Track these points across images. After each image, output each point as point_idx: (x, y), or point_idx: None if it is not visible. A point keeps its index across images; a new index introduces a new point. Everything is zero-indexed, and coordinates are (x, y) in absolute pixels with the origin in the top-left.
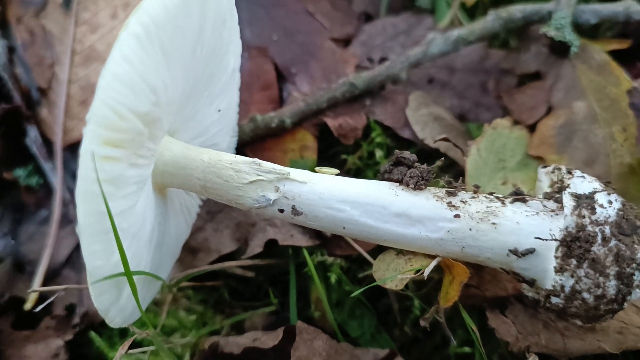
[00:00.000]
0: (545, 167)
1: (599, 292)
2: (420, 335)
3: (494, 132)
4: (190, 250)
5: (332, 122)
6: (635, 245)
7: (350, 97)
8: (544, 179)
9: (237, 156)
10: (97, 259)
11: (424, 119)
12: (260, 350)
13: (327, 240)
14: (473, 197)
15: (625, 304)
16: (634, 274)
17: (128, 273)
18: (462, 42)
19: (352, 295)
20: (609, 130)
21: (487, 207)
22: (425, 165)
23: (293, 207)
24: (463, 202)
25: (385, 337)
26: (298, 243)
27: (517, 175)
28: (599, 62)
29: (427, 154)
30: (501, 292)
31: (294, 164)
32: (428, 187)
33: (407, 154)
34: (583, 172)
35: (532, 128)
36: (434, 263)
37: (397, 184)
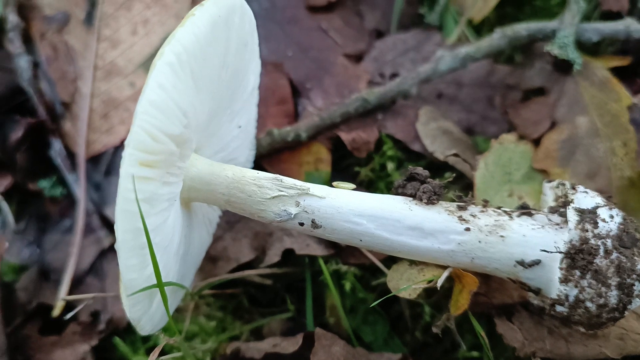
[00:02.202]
0: (550, 181)
1: (602, 301)
2: (431, 340)
3: (500, 146)
4: (210, 259)
5: (345, 136)
6: (635, 257)
7: (363, 112)
8: (549, 193)
9: (260, 172)
10: (133, 272)
11: (433, 133)
12: (281, 356)
13: (341, 250)
14: (482, 211)
15: (626, 312)
16: (634, 284)
17: (160, 284)
18: (469, 59)
19: (371, 305)
20: (610, 144)
21: (496, 220)
22: (437, 181)
23: (313, 221)
24: (473, 215)
25: (397, 342)
26: (314, 252)
27: (523, 188)
28: (601, 78)
29: (437, 167)
30: (508, 300)
31: (309, 176)
32: (440, 202)
33: (420, 169)
34: (586, 187)
35: (536, 142)
36: (445, 274)
37: (411, 198)
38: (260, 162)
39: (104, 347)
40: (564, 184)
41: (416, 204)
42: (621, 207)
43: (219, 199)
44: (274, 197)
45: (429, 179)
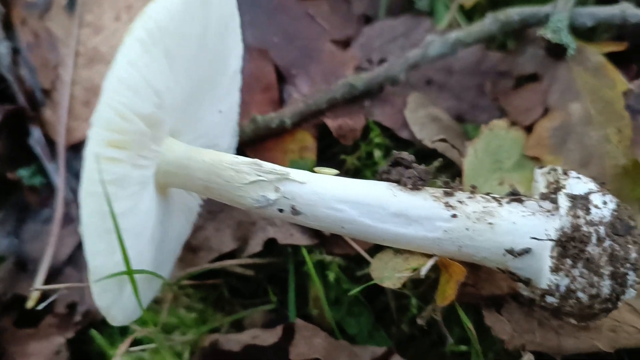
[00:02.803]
0: (541, 167)
1: (594, 291)
2: (417, 333)
3: (490, 133)
4: (191, 249)
5: (331, 123)
6: (629, 246)
7: (350, 98)
8: (540, 180)
9: (238, 157)
10: (99, 258)
11: (422, 120)
12: (260, 348)
13: (326, 239)
14: (470, 198)
15: (620, 303)
16: (627, 274)
17: (130, 272)
18: (459, 45)
19: (350, 293)
20: (604, 132)
21: (484, 207)
22: (423, 166)
23: (293, 207)
24: (460, 202)
25: (382, 334)
26: (297, 242)
27: (514, 176)
28: (595, 64)
29: (425, 154)
30: (497, 291)
31: (293, 164)
32: (426, 188)
33: (405, 154)
34: (579, 173)
35: (528, 129)
36: (431, 262)
37: (396, 184)
38: (244, 150)
39: (81, 340)
40: (555, 170)
41: (401, 189)
42: (615, 196)
43: (197, 184)
44: (252, 182)
45: (414, 164)
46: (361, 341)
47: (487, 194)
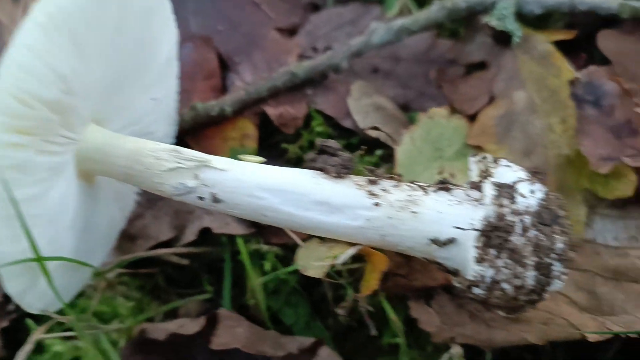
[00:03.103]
0: (474, 155)
1: (518, 282)
2: (355, 324)
3: (430, 121)
4: (129, 238)
5: (272, 111)
6: (555, 236)
7: (292, 86)
8: (474, 168)
9: (160, 144)
10: (4, 244)
11: (365, 109)
12: (184, 337)
13: (263, 229)
14: (395, 186)
15: (545, 294)
16: (552, 265)
17: (39, 259)
18: (405, 32)
19: (277, 273)
20: (548, 121)
21: (409, 195)
22: (348, 154)
23: (213, 195)
24: (384, 190)
25: (319, 325)
26: (233, 231)
27: (455, 165)
28: (542, 52)
29: (369, 144)
30: (430, 282)
31: (234, 152)
32: (350, 176)
33: (331, 142)
34: (510, 162)
35: (473, 118)
36: (351, 251)
37: (320, 172)
38: (185, 139)
39: (15, 329)
40: (486, 157)
41: (324, 177)
42: (558, 187)
43: (119, 171)
44: (171, 170)
45: (339, 152)
46: (297, 332)
47: (413, 182)
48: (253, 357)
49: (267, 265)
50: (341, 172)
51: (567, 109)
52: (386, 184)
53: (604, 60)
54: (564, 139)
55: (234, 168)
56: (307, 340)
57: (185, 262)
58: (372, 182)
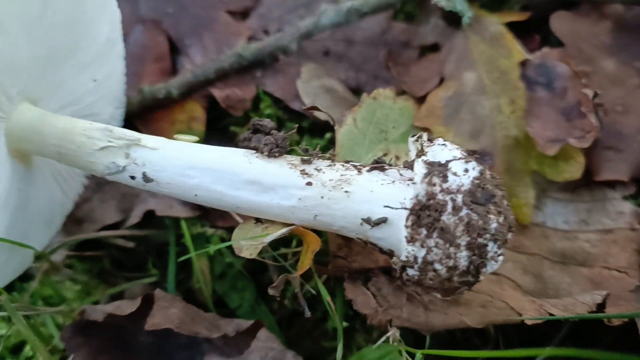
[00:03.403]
0: (413, 136)
1: (451, 263)
2: (301, 309)
3: (374, 102)
4: (76, 221)
5: (219, 93)
6: (490, 215)
7: (239, 68)
8: (412, 148)
9: (93, 123)
10: None
11: (314, 91)
12: (120, 317)
13: (208, 212)
14: (329, 166)
15: (481, 276)
16: (487, 245)
17: None
18: (355, 14)
19: (207, 249)
20: (497, 102)
21: (342, 175)
22: (282, 133)
23: (144, 174)
24: (317, 170)
25: (264, 309)
26: (176, 214)
27: (401, 147)
28: (493, 33)
29: (320, 127)
30: (370, 264)
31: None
32: (285, 155)
33: (266, 121)
34: (446, 141)
35: (423, 100)
36: (282, 231)
37: (254, 151)
38: (133, 121)
39: None
40: (421, 137)
41: (257, 157)
42: (505, 168)
43: (51, 150)
44: (102, 148)
45: (273, 131)
46: (242, 315)
47: (348, 161)
48: (192, 338)
49: (212, 249)
50: (273, 151)
51: (517, 90)
52: (320, 163)
53: (560, 43)
54: (513, 121)
55: (165, 147)
56: (246, 323)
57: (130, 244)
58: (306, 162)
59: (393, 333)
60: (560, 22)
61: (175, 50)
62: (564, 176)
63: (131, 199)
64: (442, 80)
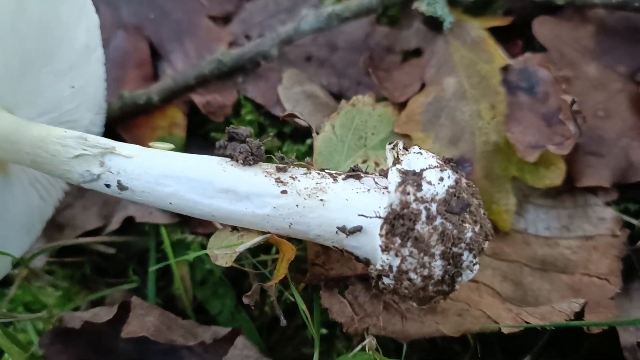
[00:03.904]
0: (390, 143)
1: (426, 272)
2: (281, 316)
3: (353, 109)
4: (57, 227)
5: (199, 99)
6: (465, 224)
7: (220, 74)
8: (389, 156)
9: (68, 131)
10: None
11: (296, 97)
12: (97, 325)
13: (189, 219)
14: (305, 174)
15: (457, 285)
16: (462, 254)
17: None
18: (335, 19)
19: (186, 257)
20: (477, 107)
21: (317, 183)
22: (257, 141)
23: (119, 182)
24: (293, 178)
25: (244, 316)
26: (156, 220)
27: (380, 154)
28: (474, 38)
29: (302, 133)
30: (348, 272)
31: (161, 141)
32: (260, 163)
33: (242, 129)
34: (422, 149)
35: (404, 106)
36: (256, 240)
37: (229, 159)
38: (114, 128)
39: None
40: (397, 145)
41: (232, 165)
42: (485, 174)
43: (26, 159)
44: (77, 156)
45: (248, 139)
46: (223, 322)
47: (323, 169)
48: (171, 345)
49: (191, 255)
50: (248, 159)
51: (498, 95)
52: (295, 171)
53: (543, 48)
54: (493, 126)
55: (140, 155)
56: (223, 330)
57: (111, 251)
58: (281, 170)
59: (369, 341)
60: (542, 27)
61: (157, 55)
62: (544, 182)
63: (113, 205)
64: (423, 86)
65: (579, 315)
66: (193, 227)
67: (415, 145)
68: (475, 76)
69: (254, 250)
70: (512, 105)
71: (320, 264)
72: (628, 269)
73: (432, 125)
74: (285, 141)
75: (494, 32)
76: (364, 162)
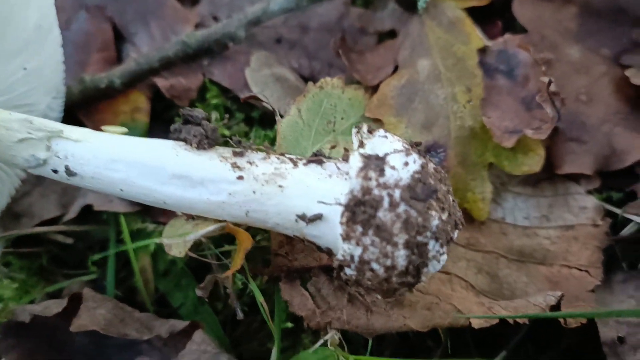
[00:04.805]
0: (356, 127)
1: (388, 262)
2: (247, 309)
3: (321, 92)
4: (13, 216)
5: (162, 83)
6: (431, 212)
7: (185, 56)
8: (355, 140)
9: (13, 114)
10: None
11: (264, 80)
12: (47, 318)
13: (150, 207)
14: (264, 159)
15: (423, 277)
16: (427, 244)
17: None
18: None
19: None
20: (452, 90)
21: (276, 168)
22: (212, 124)
23: (67, 167)
24: (250, 163)
25: (208, 309)
26: (115, 209)
27: (350, 139)
28: (451, 19)
29: (270, 117)
30: (313, 263)
31: (124, 127)
32: (216, 147)
33: (197, 111)
34: (388, 132)
35: (376, 89)
36: (209, 229)
37: (183, 143)
38: (76, 113)
39: None
40: (361, 128)
41: (186, 149)
42: (460, 161)
43: None
44: (22, 140)
45: (203, 122)
46: (185, 315)
47: (283, 154)
48: (128, 339)
49: (152, 245)
50: (203, 142)
51: (474, 78)
52: (253, 156)
53: (523, 29)
54: (468, 110)
55: (90, 139)
56: (181, 324)
57: (69, 240)
58: (238, 154)
59: (332, 336)
60: (523, 7)
61: (121, 38)
62: (522, 169)
63: (72, 193)
64: (397, 68)
65: (555, 308)
66: (155, 215)
67: (381, 128)
68: (450, 58)
69: (217, 240)
70: (489, 88)
71: (283, 254)
72: (610, 260)
73: (405, 110)
74: (254, 126)
75: (472, 12)
76: (333, 147)
